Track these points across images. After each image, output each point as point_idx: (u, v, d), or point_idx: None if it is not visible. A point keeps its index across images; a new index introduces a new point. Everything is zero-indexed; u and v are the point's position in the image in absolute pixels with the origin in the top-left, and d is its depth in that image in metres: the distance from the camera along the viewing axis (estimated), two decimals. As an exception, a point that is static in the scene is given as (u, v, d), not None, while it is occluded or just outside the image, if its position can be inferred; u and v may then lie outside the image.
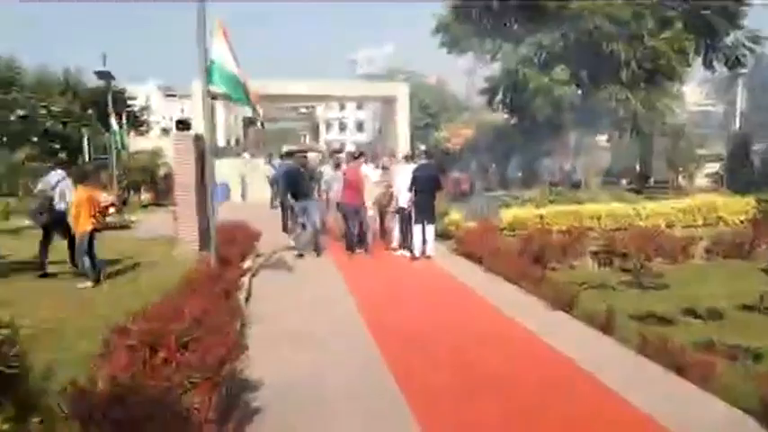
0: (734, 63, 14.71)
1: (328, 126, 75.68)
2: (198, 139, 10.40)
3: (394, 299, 6.97)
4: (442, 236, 10.79)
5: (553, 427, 3.63)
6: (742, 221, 12.16)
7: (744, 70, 15.92)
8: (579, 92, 15.24)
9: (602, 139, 22.32)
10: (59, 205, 7.51)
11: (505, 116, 18.06)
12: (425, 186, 9.40)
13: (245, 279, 7.09)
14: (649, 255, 9.31)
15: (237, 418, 3.21)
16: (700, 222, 12.07)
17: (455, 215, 11.27)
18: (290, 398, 3.98)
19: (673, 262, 9.38)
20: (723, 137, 26.70)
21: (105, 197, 12.93)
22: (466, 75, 38.13)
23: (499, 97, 16.65)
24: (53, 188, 7.61)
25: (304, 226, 9.83)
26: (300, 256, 9.38)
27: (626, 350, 4.92)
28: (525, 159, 19.64)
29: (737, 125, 28.60)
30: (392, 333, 5.52)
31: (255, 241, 9.38)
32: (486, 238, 9.13)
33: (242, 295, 6.24)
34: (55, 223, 7.55)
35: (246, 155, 30.10)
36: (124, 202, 13.98)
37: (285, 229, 11.56)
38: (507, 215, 11.22)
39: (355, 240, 9.79)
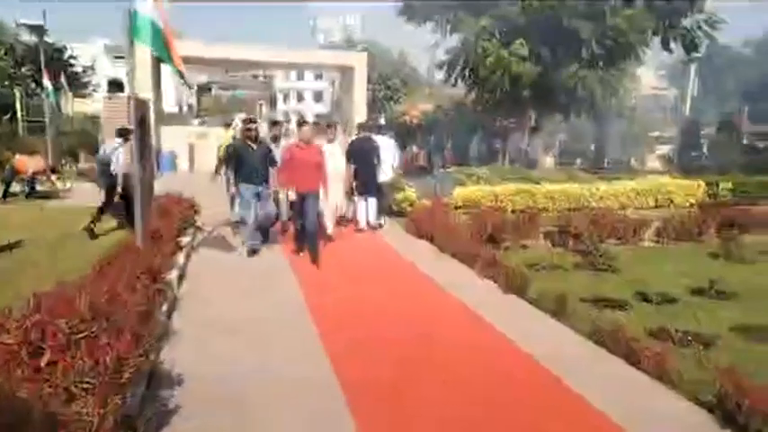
0: (690, 46, 14.78)
1: (285, 96, 73.76)
2: (137, 102, 9.61)
3: (338, 277, 6.58)
4: (396, 213, 10.44)
5: (500, 419, 3.36)
6: (692, 204, 12.34)
7: (698, 54, 16.10)
8: (538, 68, 14.99)
9: (558, 118, 22.38)
10: (115, 170, 8.29)
11: (464, 91, 17.71)
12: (365, 159, 9.05)
13: (180, 256, 6.54)
14: (602, 236, 9.26)
15: (148, 421, 2.78)
16: (652, 204, 12.18)
17: (409, 192, 10.92)
18: (216, 394, 3.57)
19: (625, 243, 9.37)
20: (674, 121, 27.34)
21: (32, 163, 11.99)
22: (429, 50, 37.57)
23: (458, 71, 16.27)
24: (110, 155, 8.47)
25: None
26: (254, 252, 7.43)
27: (578, 336, 4.72)
28: (482, 136, 19.47)
29: (687, 110, 29.39)
30: (332, 316, 5.15)
31: (196, 215, 8.74)
32: (438, 216, 8.83)
33: (173, 275, 5.71)
34: (112, 186, 8.42)
35: (195, 122, 28.86)
36: (53, 170, 12.92)
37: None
38: (462, 193, 10.95)
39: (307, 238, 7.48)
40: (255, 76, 79.83)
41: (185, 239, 7.58)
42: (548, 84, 14.82)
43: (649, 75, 44.15)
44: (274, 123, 9.79)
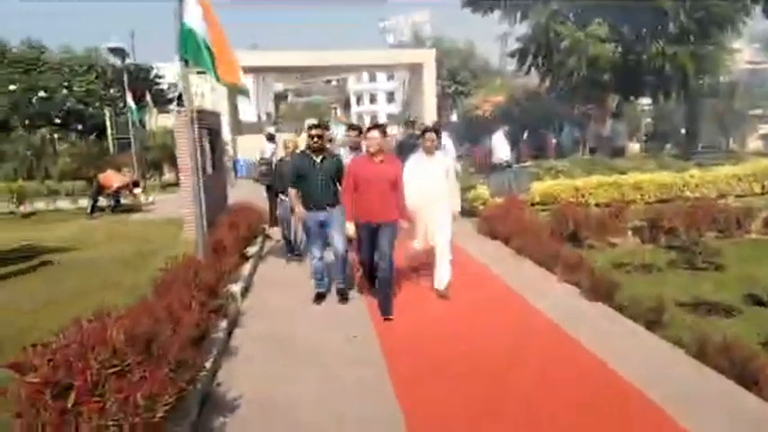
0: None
1: (359, 98, 74.55)
2: (206, 114, 9.85)
3: (408, 289, 6.21)
4: (467, 213, 9.96)
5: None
6: (807, 189, 10.90)
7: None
8: (619, 49, 13.82)
9: (644, 102, 20.74)
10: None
11: (537, 80, 16.77)
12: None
13: (246, 268, 6.47)
14: (700, 229, 8.30)
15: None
16: (758, 191, 10.85)
17: (481, 190, 10.38)
18: (273, 422, 3.34)
19: (727, 237, 8.35)
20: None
21: (117, 178, 12.61)
22: (498, 39, 36.34)
23: (530, 59, 15.40)
24: (271, 155, 9.87)
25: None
26: (320, 300, 5.71)
27: (680, 354, 4.06)
28: (561, 126, 18.40)
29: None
30: (400, 336, 4.82)
31: (265, 224, 8.73)
32: (513, 214, 8.26)
33: (237, 287, 5.61)
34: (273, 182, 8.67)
35: (272, 129, 29.61)
36: (135, 184, 13.54)
37: (274, 222, 8.58)
38: (539, 188, 10.26)
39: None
40: (329, 81, 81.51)
41: (253, 249, 7.53)
42: (630, 64, 13.62)
43: (744, 48, 40.35)
44: (350, 128, 7.60)
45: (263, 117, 50.64)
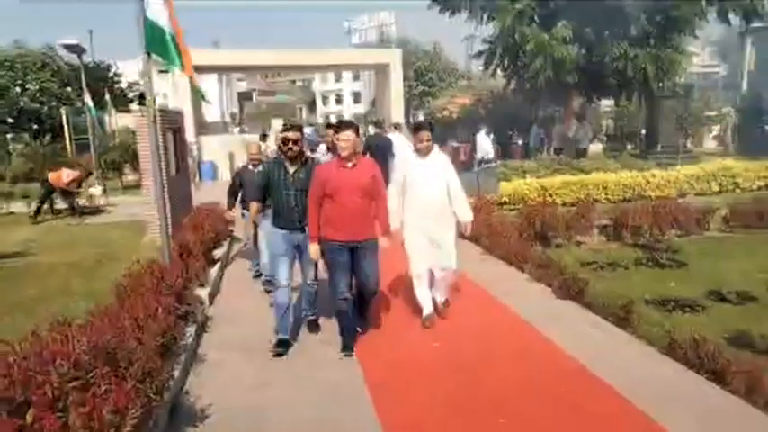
0: (751, 13, 13.52)
1: (325, 99, 74.14)
2: (172, 114, 9.57)
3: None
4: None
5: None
6: (760, 188, 11.33)
7: (760, 24, 14.81)
8: (583, 51, 14.11)
9: (607, 103, 21.27)
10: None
11: (504, 81, 16.95)
12: (377, 155, 7.09)
13: (213, 271, 6.29)
14: (663, 228, 8.53)
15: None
16: (715, 189, 11.22)
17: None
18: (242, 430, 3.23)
19: (688, 235, 8.61)
20: (727, 98, 25.66)
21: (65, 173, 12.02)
22: (465, 41, 36.74)
23: (496, 61, 15.55)
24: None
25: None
26: (281, 348, 4.40)
27: (651, 351, 4.12)
28: (525, 127, 18.67)
29: (744, 86, 27.45)
30: (370, 335, 4.75)
31: (232, 226, 8.53)
32: (482, 214, 8.30)
33: (204, 292, 5.44)
34: None
35: (235, 130, 29.13)
36: (89, 174, 12.99)
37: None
38: (507, 188, 10.35)
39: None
40: (294, 81, 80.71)
41: (219, 252, 7.35)
42: (594, 66, 13.92)
43: (699, 52, 41.90)
44: (329, 126, 6.64)
45: (228, 117, 49.79)
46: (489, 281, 6.07)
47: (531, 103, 18.21)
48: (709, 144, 22.41)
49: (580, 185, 10.57)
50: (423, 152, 4.68)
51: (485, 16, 15.25)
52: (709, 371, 3.65)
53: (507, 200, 10.15)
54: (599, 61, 13.97)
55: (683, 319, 5.06)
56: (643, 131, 19.47)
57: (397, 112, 20.96)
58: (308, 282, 4.71)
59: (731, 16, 13.98)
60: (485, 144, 15.10)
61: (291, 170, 4.39)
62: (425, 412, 3.40)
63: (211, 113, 34.90)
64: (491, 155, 14.67)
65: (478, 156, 14.96)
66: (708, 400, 3.39)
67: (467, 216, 4.80)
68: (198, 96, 5.74)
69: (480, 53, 16.35)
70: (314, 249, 4.26)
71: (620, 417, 3.27)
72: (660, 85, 14.53)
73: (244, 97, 69.30)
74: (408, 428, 3.25)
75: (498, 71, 16.10)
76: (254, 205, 4.74)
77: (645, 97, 16.05)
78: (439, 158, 4.74)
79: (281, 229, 4.45)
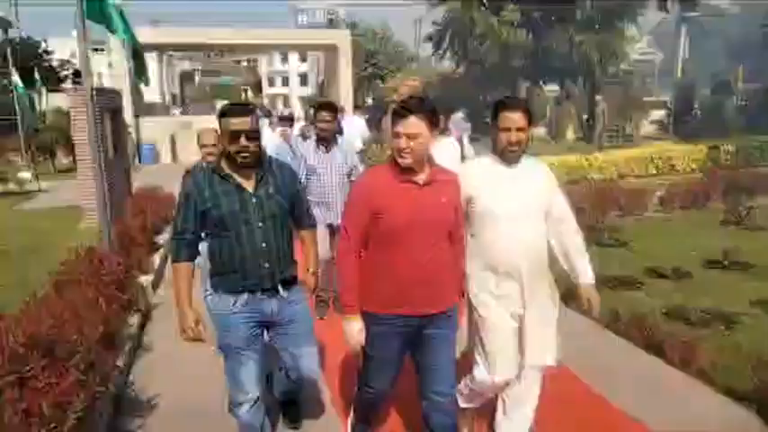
0: (687, 2, 14.19)
1: (271, 81, 72.54)
2: (109, 93, 9.07)
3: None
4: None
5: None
6: (694, 170, 11.95)
7: (694, 14, 15.54)
8: (530, 36, 14.38)
9: (552, 88, 21.80)
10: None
11: (453, 65, 17.11)
12: None
13: (156, 258, 6.06)
14: (605, 208, 8.84)
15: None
16: (653, 171, 11.75)
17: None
18: (189, 423, 3.13)
19: (628, 215, 8.96)
20: (664, 85, 26.84)
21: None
22: (414, 23, 36.65)
23: (446, 44, 15.65)
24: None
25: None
26: None
27: (595, 326, 4.28)
28: (472, 112, 18.89)
29: (679, 73, 28.80)
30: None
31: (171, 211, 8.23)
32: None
33: (148, 279, 5.24)
34: None
35: (177, 111, 28.13)
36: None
37: None
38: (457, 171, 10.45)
39: None
40: (238, 62, 78.46)
41: (163, 237, 7.08)
42: (540, 51, 14.24)
43: (639, 39, 43.48)
44: (320, 107, 4.42)
45: (168, 98, 47.97)
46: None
47: (480, 87, 18.45)
48: (648, 129, 23.45)
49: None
50: (507, 155, 2.51)
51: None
52: (649, 344, 3.84)
53: (457, 182, 10.27)
54: (546, 46, 14.29)
55: (625, 296, 5.26)
56: (585, 116, 20.13)
57: (346, 95, 20.75)
58: (305, 372, 2.73)
59: (669, 5, 14.59)
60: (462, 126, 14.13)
61: (249, 184, 2.49)
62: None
63: (151, 94, 33.51)
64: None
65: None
66: (646, 371, 3.57)
67: (587, 276, 2.72)
68: (139, 79, 5.36)
69: (430, 37, 16.40)
70: (354, 331, 2.38)
71: (570, 391, 3.38)
72: (603, 70, 15.03)
73: (186, 78, 66.90)
74: None
75: (448, 54, 16.22)
76: (183, 268, 2.47)
77: (589, 82, 16.57)
78: (536, 169, 2.64)
79: (237, 294, 2.51)
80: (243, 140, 2.40)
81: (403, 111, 2.24)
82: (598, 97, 17.34)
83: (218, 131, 2.52)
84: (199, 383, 3.56)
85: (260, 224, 2.49)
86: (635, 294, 5.35)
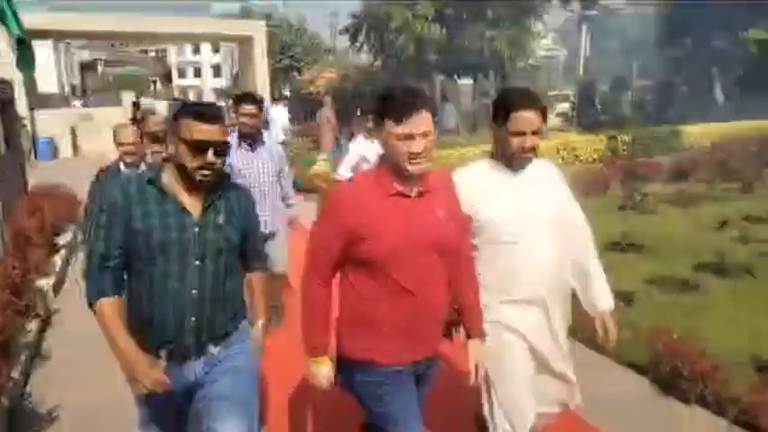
0: (588, 2, 15.17)
1: (181, 72, 69.39)
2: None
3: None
4: (307, 191, 9.85)
5: None
6: (595, 160, 12.77)
7: (592, 12, 16.61)
8: (444, 31, 14.75)
9: (466, 83, 22.50)
10: None
11: (369, 57, 17.21)
12: None
13: (57, 260, 5.64)
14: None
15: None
16: (559, 161, 12.44)
17: (322, 165, 10.35)
18: None
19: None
20: (567, 80, 28.52)
21: None
22: (330, 16, 36.38)
23: (362, 37, 15.70)
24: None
25: None
26: None
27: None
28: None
29: (581, 69, 30.67)
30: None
31: (78, 208, 7.68)
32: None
33: (47, 283, 4.87)
34: None
35: (77, 103, 26.32)
36: None
37: None
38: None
39: None
40: (145, 52, 74.30)
41: (65, 238, 6.60)
42: (454, 46, 14.66)
43: (545, 36, 45.83)
44: (239, 99, 3.87)
45: (67, 89, 44.60)
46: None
47: (397, 80, 18.69)
48: (554, 121, 24.77)
49: (444, 160, 11.11)
50: (517, 161, 2.11)
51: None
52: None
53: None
54: (458, 41, 14.73)
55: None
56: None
57: (262, 87, 20.29)
58: None
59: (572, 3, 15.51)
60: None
61: (195, 207, 1.92)
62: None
63: (47, 84, 31.01)
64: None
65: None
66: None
67: (606, 302, 2.31)
68: (25, 69, 4.81)
69: (347, 29, 16.39)
70: (323, 372, 1.98)
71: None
72: (514, 64, 15.73)
73: (87, 68, 62.46)
74: None
75: (365, 48, 16.29)
76: (112, 308, 1.89)
77: (499, 76, 17.27)
78: (546, 172, 2.26)
79: (152, 351, 1.91)
80: (210, 155, 1.82)
81: (412, 104, 1.73)
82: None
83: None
84: (99, 387, 3.33)
85: (197, 262, 1.87)
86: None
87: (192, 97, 52.85)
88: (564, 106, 24.55)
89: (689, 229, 6.96)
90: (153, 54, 73.73)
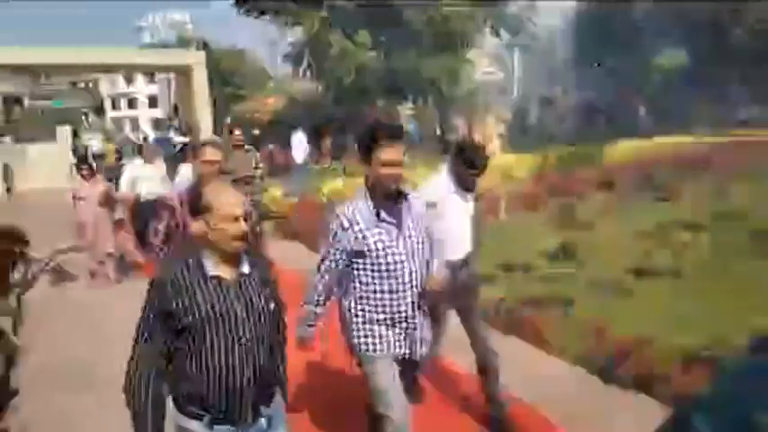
0: (516, 31, 16.22)
1: (114, 102, 67.28)
2: None
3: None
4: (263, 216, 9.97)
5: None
6: (527, 178, 13.49)
7: (523, 41, 17.74)
8: (383, 57, 15.35)
9: (407, 106, 23.22)
10: None
11: (312, 84, 17.56)
12: None
13: (11, 299, 5.57)
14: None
15: None
16: (498, 180, 13.06)
17: (273, 191, 10.50)
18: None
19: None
20: (503, 102, 29.88)
21: None
22: (269, 44, 36.51)
23: (304, 64, 16.06)
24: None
25: None
26: None
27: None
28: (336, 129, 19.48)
29: (515, 92, 32.17)
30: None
31: (23, 248, 7.46)
32: (307, 214, 8.61)
33: (7, 323, 4.83)
34: None
35: (7, 139, 25.20)
36: None
37: None
38: (330, 187, 10.81)
39: None
40: (74, 84, 71.46)
41: (14, 277, 6.47)
42: (392, 73, 15.25)
43: (480, 60, 47.68)
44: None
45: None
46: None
47: (340, 106, 19.14)
48: (495, 143, 25.79)
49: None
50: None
51: (290, 20, 15.64)
52: (506, 324, 4.50)
53: (330, 199, 10.59)
54: (396, 68, 15.35)
55: (484, 289, 5.93)
56: (438, 131, 21.74)
57: (204, 116, 20.20)
58: None
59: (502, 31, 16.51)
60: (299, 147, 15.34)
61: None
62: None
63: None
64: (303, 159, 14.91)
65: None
66: (504, 347, 4.17)
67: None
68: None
69: (288, 56, 16.71)
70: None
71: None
72: (450, 89, 16.49)
73: (11, 101, 59.42)
74: None
75: (307, 74, 16.65)
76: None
77: (438, 101, 18.03)
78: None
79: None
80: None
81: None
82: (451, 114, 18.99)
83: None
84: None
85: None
86: (492, 287, 6.04)
87: (127, 129, 51.34)
88: (500, 127, 25.76)
89: (619, 237, 7.57)
90: (82, 85, 71.15)
